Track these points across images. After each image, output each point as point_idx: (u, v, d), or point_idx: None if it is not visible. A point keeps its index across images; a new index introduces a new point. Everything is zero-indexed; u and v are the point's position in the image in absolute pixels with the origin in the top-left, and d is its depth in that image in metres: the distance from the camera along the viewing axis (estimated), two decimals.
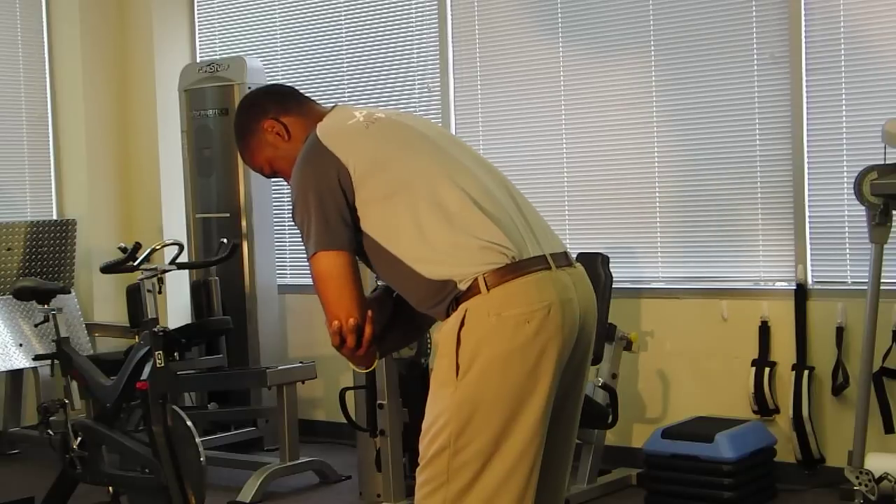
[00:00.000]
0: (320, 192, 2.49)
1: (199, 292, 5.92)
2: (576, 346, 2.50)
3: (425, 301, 2.51)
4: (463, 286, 2.43)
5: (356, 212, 2.51)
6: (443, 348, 2.44)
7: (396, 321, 2.66)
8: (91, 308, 6.61)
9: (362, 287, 2.52)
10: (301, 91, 2.83)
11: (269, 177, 2.79)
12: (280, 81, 6.38)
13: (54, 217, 6.78)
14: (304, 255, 2.56)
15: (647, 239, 5.44)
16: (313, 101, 2.79)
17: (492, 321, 2.40)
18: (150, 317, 4.43)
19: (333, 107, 2.73)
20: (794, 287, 4.99)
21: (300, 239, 2.57)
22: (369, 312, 2.50)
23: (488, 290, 2.41)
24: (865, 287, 4.56)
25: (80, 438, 4.53)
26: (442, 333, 2.46)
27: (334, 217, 2.48)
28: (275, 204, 6.26)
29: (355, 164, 2.50)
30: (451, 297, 2.45)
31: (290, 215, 2.58)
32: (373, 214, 2.51)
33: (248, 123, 2.73)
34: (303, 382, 5.43)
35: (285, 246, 6.43)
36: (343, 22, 6.36)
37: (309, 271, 2.53)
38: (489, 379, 2.40)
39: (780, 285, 5.12)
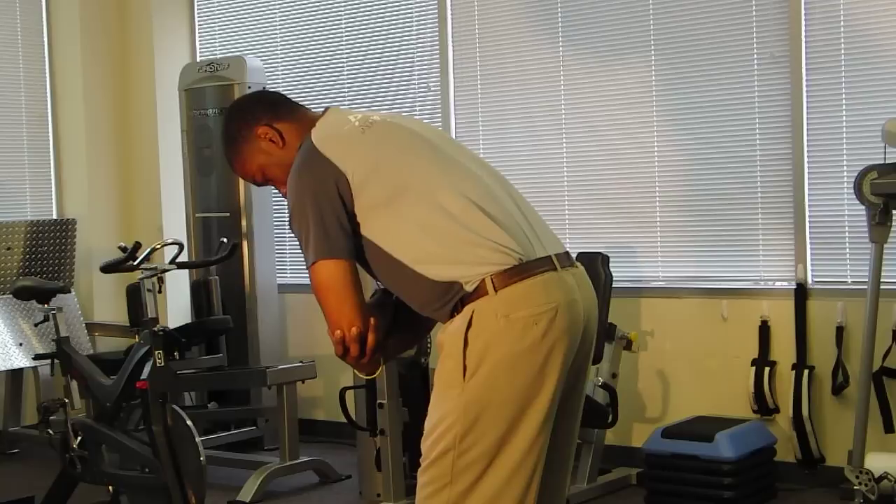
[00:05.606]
0: (318, 201, 2.47)
1: (199, 292, 5.92)
2: (579, 347, 2.50)
3: (430, 304, 2.49)
4: (469, 287, 2.42)
5: (356, 218, 2.49)
6: (448, 349, 2.43)
7: (399, 324, 2.64)
8: (91, 307, 6.61)
9: (363, 294, 2.51)
10: (297, 94, 2.82)
11: (260, 185, 2.74)
12: (280, 81, 6.42)
13: (54, 217, 6.78)
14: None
15: (647, 239, 5.44)
16: (304, 105, 2.76)
17: (500, 323, 2.39)
18: (150, 316, 4.43)
19: (325, 110, 2.69)
20: (794, 287, 4.99)
21: (298, 245, 2.56)
22: (372, 320, 2.48)
23: (496, 291, 2.40)
24: (865, 287, 4.57)
25: (80, 438, 4.53)
26: (447, 334, 2.45)
27: (333, 225, 2.46)
28: (275, 204, 6.26)
29: (353, 171, 2.48)
30: (457, 298, 2.44)
31: (288, 223, 2.56)
32: (374, 220, 2.49)
33: (241, 130, 2.68)
34: (303, 382, 5.43)
35: (285, 246, 6.42)
36: (343, 22, 6.36)
37: (308, 278, 2.51)
38: (497, 381, 2.39)
39: (780, 285, 5.12)
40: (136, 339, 4.60)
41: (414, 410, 4.67)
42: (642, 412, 5.38)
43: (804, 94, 4.97)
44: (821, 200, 5.00)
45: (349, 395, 4.92)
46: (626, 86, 5.45)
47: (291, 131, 2.65)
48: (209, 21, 6.89)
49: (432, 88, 6.04)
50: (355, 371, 2.58)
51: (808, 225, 5.01)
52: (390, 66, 6.20)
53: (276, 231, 6.30)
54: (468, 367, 2.39)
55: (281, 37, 6.59)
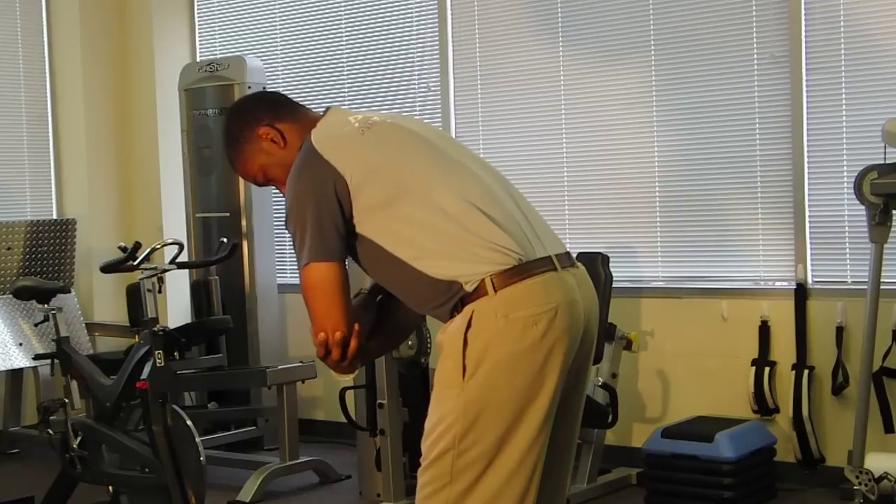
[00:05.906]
0: (316, 202, 2.47)
1: (199, 292, 5.92)
2: (579, 347, 2.50)
3: (429, 302, 2.49)
4: (469, 287, 2.42)
5: (353, 220, 2.49)
6: (448, 349, 2.43)
7: (380, 327, 2.66)
8: (91, 307, 6.62)
9: (350, 299, 2.52)
10: (297, 94, 2.82)
11: (261, 185, 2.75)
12: (280, 81, 6.42)
13: (54, 217, 6.78)
14: None
15: (647, 239, 5.45)
16: (305, 106, 2.76)
17: (500, 323, 2.39)
18: (150, 316, 4.43)
19: (326, 110, 2.70)
20: (794, 287, 4.99)
21: (292, 244, 2.56)
22: (356, 326, 2.50)
23: (495, 291, 2.40)
24: (865, 287, 4.57)
25: (80, 438, 4.53)
26: (447, 334, 2.45)
27: (328, 227, 2.47)
28: (275, 204, 6.26)
29: (352, 173, 2.48)
30: (457, 297, 2.44)
31: (284, 222, 2.56)
32: (373, 220, 2.49)
33: (242, 131, 2.69)
34: (303, 382, 5.43)
35: (285, 246, 6.42)
36: (343, 22, 6.36)
37: (299, 279, 2.52)
38: (496, 381, 2.39)
39: (779, 285, 5.12)
40: (136, 339, 4.60)
41: (414, 410, 4.67)
42: (642, 412, 5.38)
43: (804, 94, 4.97)
44: (821, 200, 5.00)
45: (349, 395, 4.92)
46: (626, 86, 5.45)
47: (292, 131, 2.66)
48: (209, 21, 6.89)
49: (432, 88, 6.04)
50: (332, 372, 2.61)
51: (808, 225, 5.01)
52: (390, 66, 6.20)
53: (276, 231, 6.30)
54: (467, 368, 2.39)
55: (281, 37, 6.59)
